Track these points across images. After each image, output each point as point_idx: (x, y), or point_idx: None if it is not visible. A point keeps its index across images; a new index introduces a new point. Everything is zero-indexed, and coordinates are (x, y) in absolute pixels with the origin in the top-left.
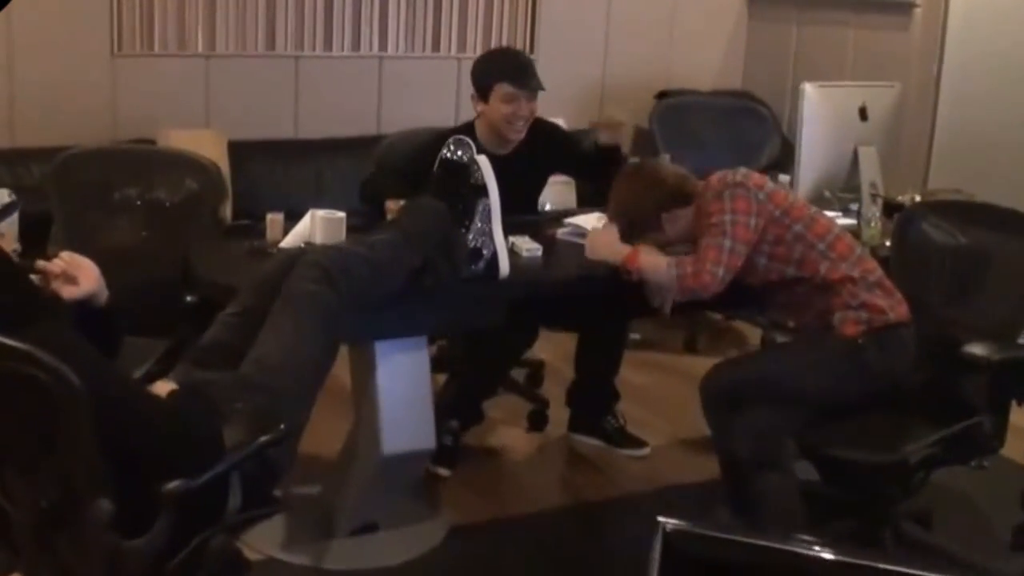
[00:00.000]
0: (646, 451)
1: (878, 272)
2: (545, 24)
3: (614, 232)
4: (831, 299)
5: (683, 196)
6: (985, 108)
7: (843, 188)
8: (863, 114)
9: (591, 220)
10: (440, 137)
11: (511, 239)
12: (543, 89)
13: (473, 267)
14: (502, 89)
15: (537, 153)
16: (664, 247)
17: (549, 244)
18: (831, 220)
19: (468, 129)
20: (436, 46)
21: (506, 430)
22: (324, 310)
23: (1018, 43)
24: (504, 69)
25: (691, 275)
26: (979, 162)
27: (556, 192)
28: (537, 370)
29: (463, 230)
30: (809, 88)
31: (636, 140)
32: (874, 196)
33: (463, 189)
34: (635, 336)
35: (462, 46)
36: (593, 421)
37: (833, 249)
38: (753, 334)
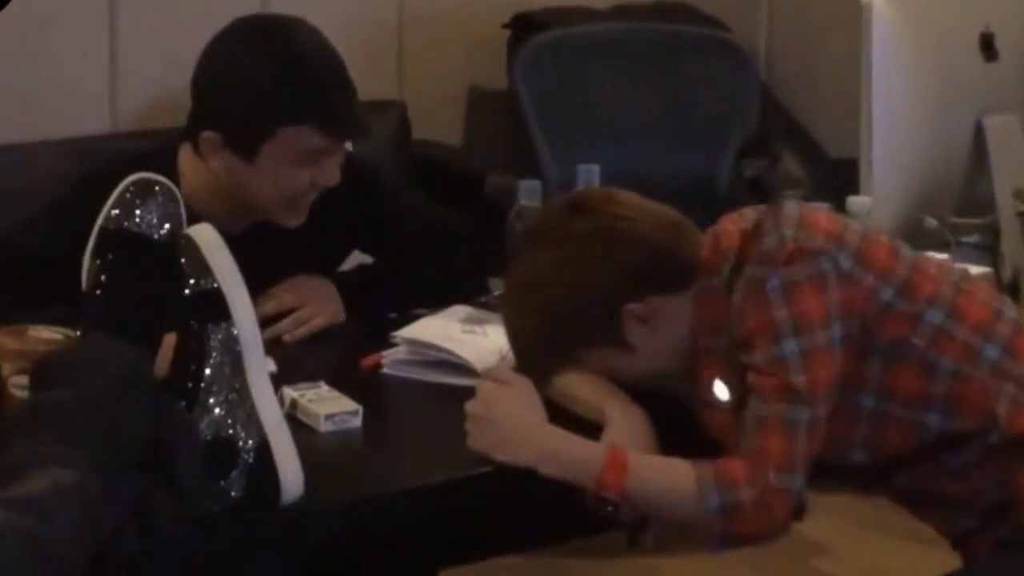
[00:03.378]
0: None
1: None
2: None
3: (531, 395)
4: (1018, 474)
5: (673, 270)
6: None
7: (956, 208)
8: (987, 47)
9: (453, 330)
10: (108, 175)
11: (288, 393)
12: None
13: (221, 485)
14: (304, 140)
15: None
16: (626, 381)
17: (371, 392)
18: (990, 287)
19: (163, 164)
20: None
21: None
22: None
23: None
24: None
25: (752, 506)
26: None
27: None
28: None
29: (184, 404)
30: (879, 1)
31: (471, 126)
32: None
33: (172, 307)
34: None
35: None
36: None
37: (1016, 354)
38: None
